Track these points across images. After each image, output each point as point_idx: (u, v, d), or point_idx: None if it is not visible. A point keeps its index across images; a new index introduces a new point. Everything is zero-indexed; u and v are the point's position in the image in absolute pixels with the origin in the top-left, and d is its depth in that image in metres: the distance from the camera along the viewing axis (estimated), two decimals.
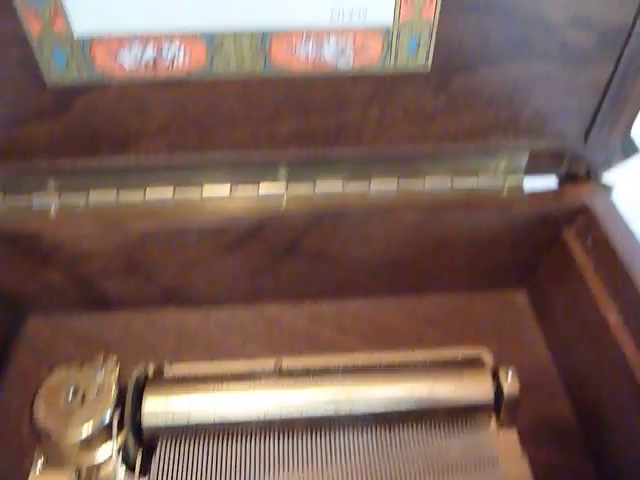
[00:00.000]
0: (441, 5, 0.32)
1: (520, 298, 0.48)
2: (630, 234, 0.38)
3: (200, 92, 0.35)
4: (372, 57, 0.34)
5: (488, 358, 0.41)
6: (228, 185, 0.39)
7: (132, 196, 0.39)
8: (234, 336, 0.45)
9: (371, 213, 0.39)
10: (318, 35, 0.33)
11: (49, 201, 0.39)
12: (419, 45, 0.34)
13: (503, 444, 0.38)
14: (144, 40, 0.32)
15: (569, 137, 0.39)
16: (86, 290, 0.43)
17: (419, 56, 0.34)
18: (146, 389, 0.36)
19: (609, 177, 0.42)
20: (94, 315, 0.46)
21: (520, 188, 0.41)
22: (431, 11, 0.32)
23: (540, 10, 0.33)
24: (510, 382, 0.37)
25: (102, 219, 0.38)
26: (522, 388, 0.37)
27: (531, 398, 0.40)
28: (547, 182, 0.43)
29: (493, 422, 0.38)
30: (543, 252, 0.44)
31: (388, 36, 0.33)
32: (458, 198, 0.40)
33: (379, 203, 0.40)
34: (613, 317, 0.37)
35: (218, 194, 0.39)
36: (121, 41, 0.32)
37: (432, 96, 0.36)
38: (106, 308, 0.46)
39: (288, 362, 0.40)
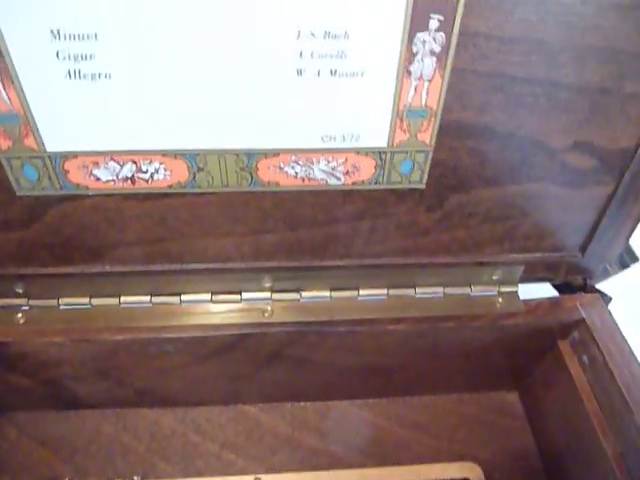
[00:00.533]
0: (438, 130, 0.30)
1: (512, 400, 0.46)
2: (628, 353, 0.37)
3: (181, 205, 0.33)
4: (364, 176, 0.32)
5: (478, 475, 0.40)
6: (209, 294, 0.37)
7: (106, 302, 0.37)
8: (210, 441, 0.42)
9: (359, 323, 0.37)
10: (307, 156, 0.31)
11: (16, 306, 0.37)
12: (413, 166, 0.32)
13: None
14: (121, 158, 0.30)
15: (566, 250, 0.38)
16: (54, 392, 0.40)
17: (413, 176, 0.32)
18: None
19: (606, 286, 0.41)
20: (62, 414, 0.43)
21: (515, 296, 0.40)
22: (427, 135, 0.31)
23: (540, 136, 0.31)
24: None
25: (72, 329, 0.36)
26: None
27: None
28: (542, 289, 0.41)
29: None
30: (537, 359, 0.42)
31: (381, 158, 0.31)
32: (450, 308, 0.38)
33: (368, 312, 0.38)
34: (611, 447, 0.35)
35: (198, 301, 0.37)
36: (96, 159, 0.30)
37: (426, 212, 0.34)
38: (75, 408, 0.43)
39: None
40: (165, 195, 0.32)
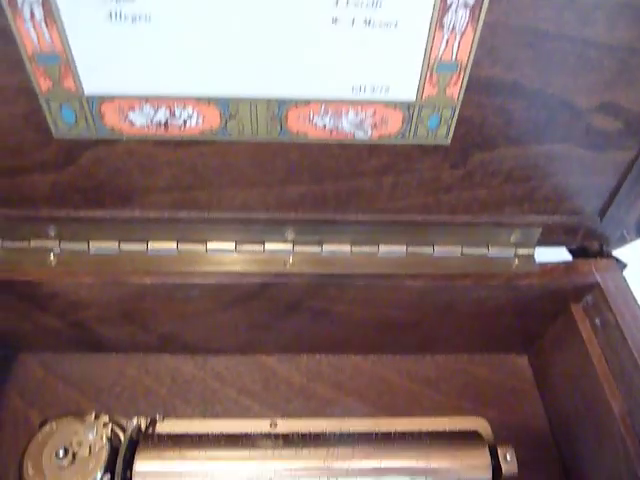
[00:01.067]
0: (466, 85, 0.31)
1: (521, 364, 0.47)
2: None
3: (211, 153, 0.34)
4: (391, 130, 0.33)
5: (486, 430, 0.41)
6: (233, 244, 0.38)
7: (134, 247, 0.38)
8: (229, 387, 0.44)
9: (378, 277, 0.38)
10: (337, 107, 0.32)
11: (49, 248, 0.38)
12: (440, 122, 0.32)
13: None
14: (156, 103, 0.31)
15: (585, 214, 0.38)
16: (81, 333, 0.42)
17: (440, 132, 0.33)
18: (138, 449, 0.35)
19: (621, 253, 0.41)
20: (88, 357, 0.44)
21: (531, 259, 0.40)
22: (455, 90, 0.31)
23: (567, 95, 0.32)
24: (509, 462, 0.36)
25: (102, 271, 0.37)
26: (518, 463, 0.36)
27: (528, 473, 0.40)
28: (558, 253, 0.42)
29: None
30: (548, 322, 0.43)
31: (409, 111, 0.32)
32: (467, 267, 0.39)
33: (386, 268, 0.39)
34: (618, 405, 0.36)
35: (223, 250, 0.38)
36: (132, 102, 0.31)
37: (449, 169, 0.35)
38: (100, 351, 0.45)
39: (283, 425, 0.39)
40: (196, 142, 0.33)
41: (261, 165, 0.34)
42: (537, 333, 0.44)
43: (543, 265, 0.40)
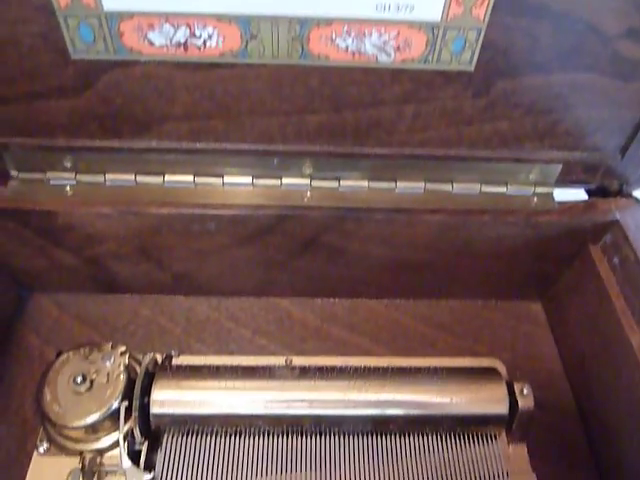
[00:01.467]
0: (493, 4, 0.30)
1: (535, 310, 0.47)
2: None
3: (231, 77, 0.33)
4: (414, 53, 0.32)
5: (501, 369, 0.41)
6: (250, 177, 0.38)
7: (150, 180, 0.38)
8: (244, 328, 0.44)
9: (396, 212, 0.38)
10: (360, 27, 0.31)
11: (65, 180, 0.38)
12: (465, 45, 0.32)
13: (512, 458, 0.37)
14: (176, 21, 0.30)
15: (606, 151, 0.38)
16: (96, 272, 0.42)
17: (464, 56, 0.32)
18: (155, 379, 0.36)
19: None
20: (102, 297, 0.45)
21: (550, 198, 0.40)
22: (482, 10, 0.30)
23: (595, 19, 0.31)
24: (526, 396, 0.36)
25: (119, 201, 0.37)
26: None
27: (542, 413, 0.40)
28: (577, 195, 0.41)
29: (503, 436, 0.37)
30: (565, 265, 0.43)
31: (434, 33, 0.31)
32: (485, 205, 0.39)
33: (404, 204, 0.38)
34: (636, 339, 0.36)
35: (240, 184, 0.38)
36: (151, 20, 0.30)
37: (471, 98, 0.34)
38: (115, 291, 0.45)
39: (298, 362, 0.39)
40: (216, 65, 0.33)
41: (280, 92, 0.34)
42: (553, 277, 0.44)
43: (562, 204, 0.40)
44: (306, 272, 0.43)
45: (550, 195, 0.40)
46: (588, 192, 0.42)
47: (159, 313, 0.44)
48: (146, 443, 0.35)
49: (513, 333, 0.45)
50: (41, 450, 0.36)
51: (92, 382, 0.35)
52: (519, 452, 0.38)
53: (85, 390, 0.34)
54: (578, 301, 0.42)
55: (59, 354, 0.36)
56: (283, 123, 0.35)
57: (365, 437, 0.36)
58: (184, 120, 0.35)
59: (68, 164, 0.37)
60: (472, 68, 0.33)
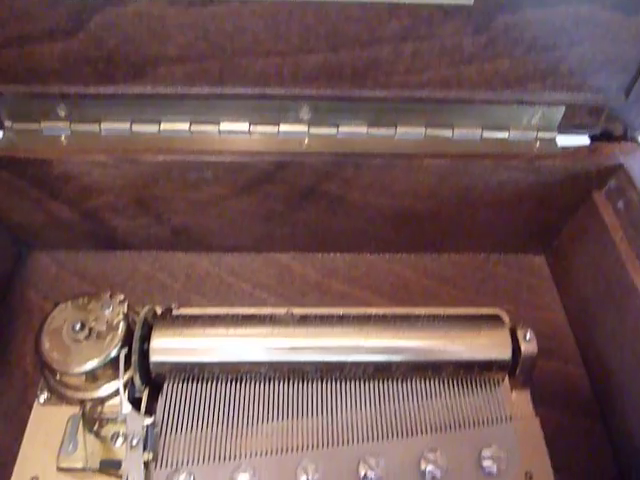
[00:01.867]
0: None
1: (538, 262, 0.46)
2: None
3: (225, 13, 0.32)
4: None
5: (504, 318, 0.40)
6: (246, 125, 0.37)
7: (146, 129, 0.37)
8: (244, 282, 0.43)
9: (396, 157, 0.37)
10: None
11: (59, 130, 0.37)
12: None
13: (515, 404, 0.37)
14: None
15: (610, 92, 0.37)
16: (94, 227, 0.42)
17: None
18: (155, 326, 0.35)
19: None
20: (101, 254, 0.44)
21: (553, 143, 0.39)
22: None
23: None
24: (529, 341, 0.36)
25: (114, 149, 0.37)
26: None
27: (545, 361, 0.39)
28: (580, 141, 0.41)
29: (506, 382, 0.37)
30: (568, 214, 0.42)
31: None
32: (487, 149, 0.38)
33: (404, 148, 0.38)
34: None
35: (236, 131, 0.38)
36: None
37: (471, 35, 0.34)
38: (113, 248, 0.44)
39: (299, 313, 0.39)
40: (209, 1, 0.32)
41: (276, 30, 0.33)
42: (556, 228, 0.43)
43: (565, 148, 0.39)
44: (306, 225, 0.42)
45: (553, 140, 0.39)
46: (592, 138, 0.41)
47: (158, 269, 0.44)
48: (146, 391, 0.35)
49: (516, 285, 0.45)
50: (41, 400, 0.35)
51: (91, 330, 0.35)
52: (522, 398, 0.37)
53: (84, 338, 0.34)
54: (582, 249, 0.42)
55: (57, 304, 0.36)
56: (279, 64, 0.35)
57: (368, 382, 0.35)
58: (178, 62, 0.34)
59: (62, 113, 0.37)
60: (471, 1, 0.32)
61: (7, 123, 0.37)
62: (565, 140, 0.40)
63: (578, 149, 0.39)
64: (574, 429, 0.38)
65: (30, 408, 0.35)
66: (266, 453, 0.33)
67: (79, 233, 0.43)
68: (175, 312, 0.38)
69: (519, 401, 0.37)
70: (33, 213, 0.41)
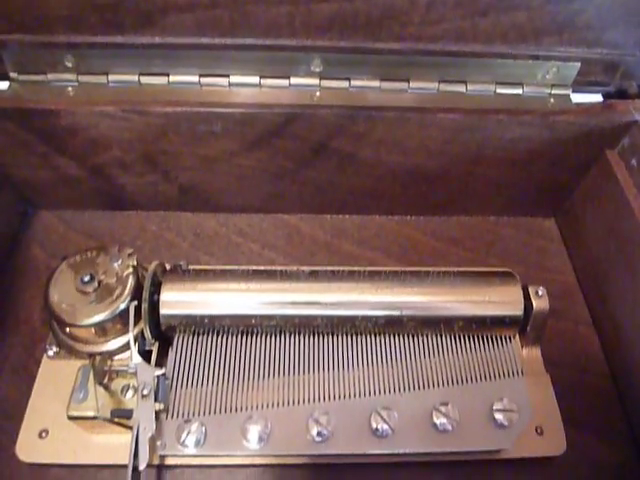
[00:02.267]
0: None
1: (548, 226, 0.46)
2: None
3: None
4: None
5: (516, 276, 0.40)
6: (257, 77, 0.37)
7: (155, 80, 0.37)
8: (252, 242, 0.43)
9: (409, 111, 0.37)
10: None
11: (66, 81, 0.36)
12: None
13: (526, 361, 0.37)
14: None
15: (626, 48, 0.37)
16: (101, 184, 0.41)
17: None
18: (165, 279, 0.35)
19: None
20: (108, 214, 0.44)
21: (567, 100, 0.39)
22: None
23: None
24: (541, 297, 0.36)
25: (123, 100, 0.36)
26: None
27: (555, 321, 0.39)
28: (594, 99, 0.40)
29: (517, 339, 0.37)
30: (580, 174, 0.42)
31: None
32: (501, 105, 0.38)
33: (417, 103, 0.37)
34: None
35: (246, 84, 0.37)
36: None
37: None
38: (120, 208, 0.44)
39: (310, 268, 0.39)
40: None
41: None
42: (567, 189, 0.43)
43: (580, 105, 0.38)
44: (315, 183, 0.42)
45: (567, 97, 0.39)
46: (605, 97, 0.40)
47: (166, 229, 0.43)
48: (156, 344, 0.34)
49: (525, 248, 0.44)
50: (50, 353, 0.35)
51: (100, 283, 0.34)
52: (533, 355, 0.37)
53: (93, 290, 0.34)
54: (594, 209, 0.41)
55: (65, 257, 0.36)
56: (291, 13, 0.34)
57: (380, 337, 0.35)
58: (188, 10, 0.34)
59: (69, 64, 0.36)
60: None
61: (13, 74, 0.37)
62: (579, 98, 0.40)
63: (592, 106, 0.38)
64: (584, 388, 0.38)
65: (38, 364, 0.35)
66: (277, 405, 0.33)
67: (86, 191, 0.42)
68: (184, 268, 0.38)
69: (530, 358, 0.37)
70: (39, 169, 0.40)
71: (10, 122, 0.36)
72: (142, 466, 0.29)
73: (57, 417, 0.33)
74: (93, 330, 0.34)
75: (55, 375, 0.35)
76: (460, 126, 0.37)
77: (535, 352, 0.37)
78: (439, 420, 0.33)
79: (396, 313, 0.34)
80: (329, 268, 0.37)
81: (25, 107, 0.36)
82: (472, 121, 0.37)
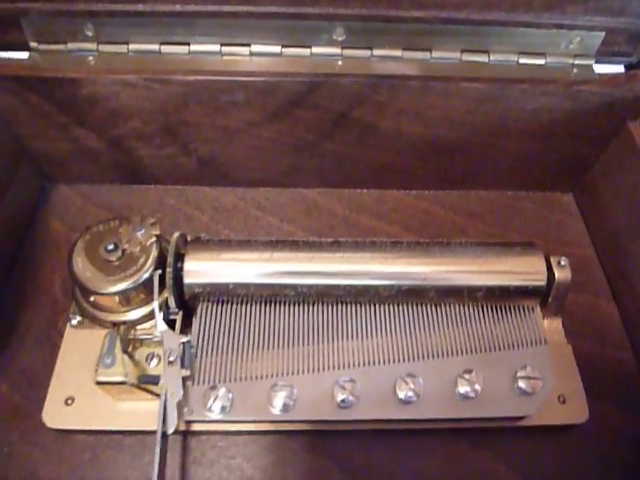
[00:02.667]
0: None
1: (567, 200, 0.46)
2: None
3: None
4: None
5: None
6: (279, 47, 0.36)
7: (175, 50, 0.36)
8: (271, 216, 0.43)
9: (432, 80, 0.36)
10: None
11: (87, 51, 0.36)
12: None
13: (548, 332, 0.37)
14: None
15: None
16: (120, 157, 0.41)
17: None
18: (188, 248, 0.35)
19: None
20: (127, 188, 0.44)
21: (590, 70, 0.38)
22: None
23: None
24: (563, 268, 0.36)
25: (144, 69, 0.36)
26: None
27: (575, 295, 0.39)
28: (616, 70, 0.40)
29: (538, 310, 0.37)
30: (601, 147, 0.41)
31: None
32: (523, 74, 0.37)
33: (439, 71, 0.37)
34: None
35: (268, 53, 0.37)
36: None
37: None
38: (139, 182, 0.44)
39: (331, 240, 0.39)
40: None
41: None
42: (586, 162, 0.43)
43: (602, 75, 0.38)
44: (335, 157, 0.42)
45: (590, 67, 0.38)
46: (627, 68, 0.40)
47: (185, 202, 0.43)
48: (180, 313, 0.34)
49: (544, 222, 0.44)
50: (74, 322, 0.35)
51: (124, 251, 0.34)
52: (554, 326, 0.37)
53: (117, 259, 0.34)
54: (614, 182, 0.41)
55: (88, 227, 0.36)
56: None
57: (402, 306, 0.35)
58: None
59: (89, 33, 0.36)
60: None
61: (33, 44, 0.36)
62: (601, 69, 0.39)
63: (615, 76, 0.38)
64: (604, 360, 0.38)
65: (60, 334, 0.35)
66: (303, 372, 0.33)
67: (104, 164, 0.42)
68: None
69: (551, 329, 0.37)
70: (58, 141, 0.40)
71: (30, 92, 0.36)
72: (170, 430, 0.30)
73: (82, 384, 0.33)
74: (117, 299, 0.34)
75: (79, 344, 0.35)
76: (483, 96, 0.37)
77: (556, 323, 0.37)
78: (463, 387, 0.33)
79: (418, 282, 0.34)
80: (351, 239, 0.37)
81: (46, 76, 0.35)
82: (496, 90, 0.37)
